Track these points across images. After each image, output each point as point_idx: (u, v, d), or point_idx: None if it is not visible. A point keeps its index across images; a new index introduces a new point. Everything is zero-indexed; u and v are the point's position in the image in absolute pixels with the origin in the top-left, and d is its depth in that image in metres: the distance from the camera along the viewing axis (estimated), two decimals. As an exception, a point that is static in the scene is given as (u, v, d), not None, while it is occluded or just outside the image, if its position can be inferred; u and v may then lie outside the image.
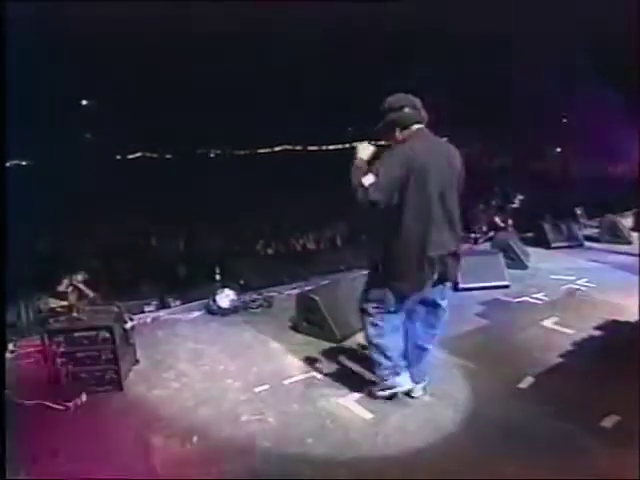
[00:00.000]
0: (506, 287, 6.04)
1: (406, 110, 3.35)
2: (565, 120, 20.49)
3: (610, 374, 3.85)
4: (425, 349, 3.63)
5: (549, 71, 14.74)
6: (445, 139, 3.62)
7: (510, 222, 9.92)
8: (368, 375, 3.88)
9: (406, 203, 3.21)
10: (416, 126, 3.37)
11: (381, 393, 3.64)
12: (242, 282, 6.69)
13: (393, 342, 3.54)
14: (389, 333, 3.51)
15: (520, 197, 10.50)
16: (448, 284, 3.56)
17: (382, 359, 3.55)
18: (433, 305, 3.54)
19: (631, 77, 11.87)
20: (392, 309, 3.45)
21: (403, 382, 3.60)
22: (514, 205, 10.28)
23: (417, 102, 3.41)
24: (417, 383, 3.67)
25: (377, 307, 3.47)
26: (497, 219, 10.09)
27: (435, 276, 3.32)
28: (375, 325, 3.51)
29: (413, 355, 3.63)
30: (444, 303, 3.56)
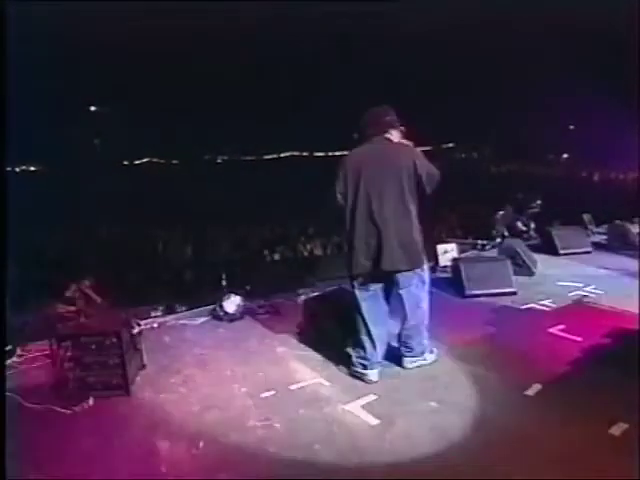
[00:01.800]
0: (513, 294, 6.01)
1: (364, 130, 4.11)
2: (572, 127, 20.45)
3: (618, 381, 3.82)
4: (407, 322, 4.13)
5: (556, 76, 14.72)
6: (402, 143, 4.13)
7: (532, 226, 9.86)
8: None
9: (348, 201, 3.98)
10: (374, 137, 4.05)
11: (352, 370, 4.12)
12: (249, 288, 6.69)
13: (374, 325, 4.04)
14: (369, 316, 4.03)
15: (538, 202, 10.42)
16: (405, 273, 4.00)
17: (361, 345, 4.06)
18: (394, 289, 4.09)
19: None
20: (365, 290, 4.04)
21: (370, 376, 4.03)
22: (535, 210, 10.18)
23: (375, 117, 4.11)
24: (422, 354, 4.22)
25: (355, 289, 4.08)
26: (519, 224, 10.05)
27: (368, 260, 3.92)
28: (358, 308, 4.06)
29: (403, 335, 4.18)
30: (403, 291, 4.03)
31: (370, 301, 4.06)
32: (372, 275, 3.99)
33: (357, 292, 4.07)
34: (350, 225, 3.99)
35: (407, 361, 4.19)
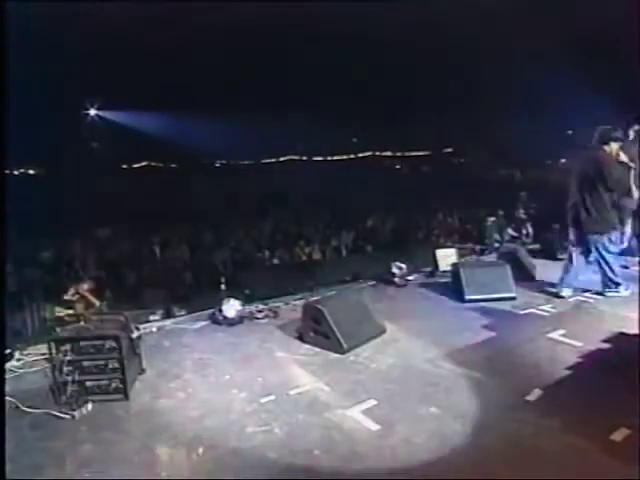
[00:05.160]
0: (513, 299, 6.01)
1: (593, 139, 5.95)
2: (570, 131, 20.49)
3: (619, 386, 3.81)
4: (601, 271, 6.08)
5: (552, 80, 14.73)
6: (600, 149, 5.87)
7: (525, 232, 9.87)
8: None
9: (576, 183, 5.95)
10: (594, 147, 5.90)
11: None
12: (248, 292, 6.67)
13: (578, 268, 6.02)
14: (576, 262, 6.01)
15: (533, 206, 10.45)
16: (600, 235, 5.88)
17: (565, 271, 6.11)
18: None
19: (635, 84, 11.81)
20: (578, 249, 6.03)
21: (564, 293, 6.02)
22: (524, 216, 10.21)
23: (599, 133, 5.91)
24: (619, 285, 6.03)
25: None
26: (509, 230, 10.07)
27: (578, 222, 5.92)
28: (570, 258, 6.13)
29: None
30: (598, 246, 5.90)
31: (576, 251, 5.96)
32: (579, 233, 5.92)
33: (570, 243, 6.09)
34: (575, 197, 5.91)
35: (606, 292, 6.00)
